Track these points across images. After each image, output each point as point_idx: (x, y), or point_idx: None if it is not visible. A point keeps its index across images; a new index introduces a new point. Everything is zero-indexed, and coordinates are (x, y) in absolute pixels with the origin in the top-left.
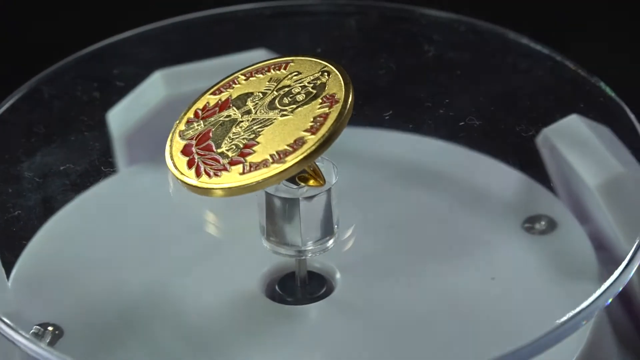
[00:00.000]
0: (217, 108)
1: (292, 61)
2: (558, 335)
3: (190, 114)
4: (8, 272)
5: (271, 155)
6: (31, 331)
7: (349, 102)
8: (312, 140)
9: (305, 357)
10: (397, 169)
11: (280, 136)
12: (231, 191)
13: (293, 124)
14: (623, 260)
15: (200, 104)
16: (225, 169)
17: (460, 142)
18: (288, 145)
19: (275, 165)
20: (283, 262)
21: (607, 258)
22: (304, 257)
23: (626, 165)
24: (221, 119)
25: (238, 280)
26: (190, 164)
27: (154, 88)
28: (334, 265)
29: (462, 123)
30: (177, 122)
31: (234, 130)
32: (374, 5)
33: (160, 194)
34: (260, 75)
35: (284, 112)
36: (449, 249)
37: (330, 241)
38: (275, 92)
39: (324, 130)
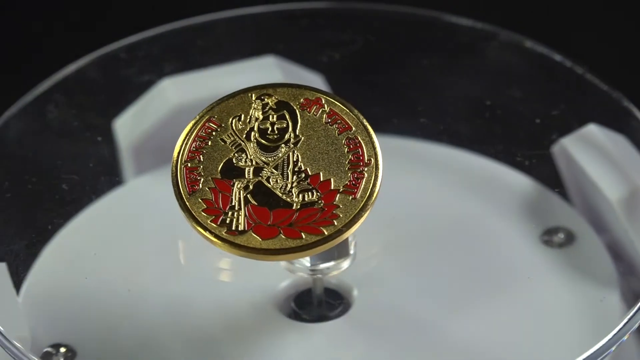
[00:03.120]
0: (220, 193)
1: (212, 116)
2: None
3: (200, 216)
4: (17, 291)
5: (349, 169)
6: (43, 353)
7: (327, 91)
8: (360, 132)
9: None
10: (412, 179)
11: (326, 154)
12: (366, 209)
13: (318, 140)
14: None
15: (196, 207)
16: (334, 207)
17: (476, 151)
18: (348, 152)
19: (367, 168)
20: (298, 278)
21: (626, 268)
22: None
23: None
24: (242, 193)
25: (254, 298)
26: (292, 235)
27: (162, 95)
28: (351, 281)
29: (478, 131)
30: (202, 229)
31: (271, 186)
32: (382, 10)
33: (171, 205)
34: (207, 145)
35: (292, 141)
36: (467, 264)
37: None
38: (248, 141)
39: (353, 120)
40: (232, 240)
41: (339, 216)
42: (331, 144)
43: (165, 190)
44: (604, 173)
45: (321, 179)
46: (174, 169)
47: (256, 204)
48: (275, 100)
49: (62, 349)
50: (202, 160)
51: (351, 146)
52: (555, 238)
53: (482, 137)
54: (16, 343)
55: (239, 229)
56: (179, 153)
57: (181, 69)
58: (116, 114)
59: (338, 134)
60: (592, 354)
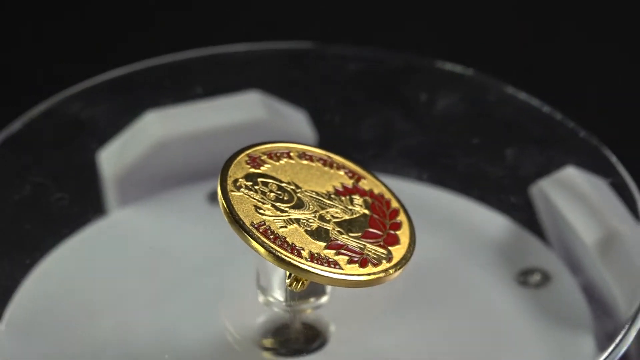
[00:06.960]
0: (342, 249)
1: (250, 224)
2: None
3: (365, 272)
4: None
5: (342, 172)
6: None
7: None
8: (312, 149)
9: None
10: None
11: (320, 176)
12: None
13: (299, 172)
14: (619, 320)
15: (352, 270)
16: (383, 194)
17: (454, 191)
18: (324, 165)
19: (349, 164)
20: (276, 313)
21: (600, 310)
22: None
23: (623, 222)
24: (347, 235)
25: (231, 332)
26: (398, 227)
27: (147, 129)
28: (328, 316)
29: (455, 171)
30: (376, 275)
31: (341, 217)
32: (376, 56)
33: (154, 237)
34: (279, 239)
35: (294, 188)
36: (443, 305)
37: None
38: (288, 212)
39: (291, 149)
40: (397, 261)
41: (391, 198)
42: (309, 169)
43: (149, 221)
44: (581, 216)
45: (347, 186)
46: (304, 265)
47: (360, 233)
48: (242, 178)
49: None
50: (296, 248)
51: (322, 160)
52: (531, 279)
53: (458, 177)
54: None
55: (385, 251)
56: (285, 263)
57: (166, 102)
58: (101, 145)
59: (302, 160)
60: None
